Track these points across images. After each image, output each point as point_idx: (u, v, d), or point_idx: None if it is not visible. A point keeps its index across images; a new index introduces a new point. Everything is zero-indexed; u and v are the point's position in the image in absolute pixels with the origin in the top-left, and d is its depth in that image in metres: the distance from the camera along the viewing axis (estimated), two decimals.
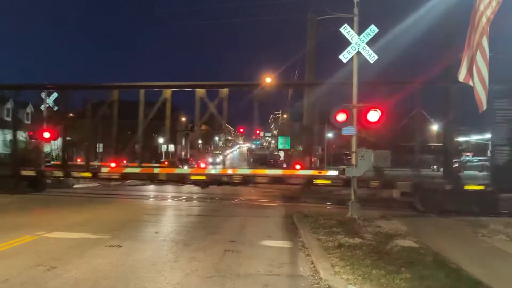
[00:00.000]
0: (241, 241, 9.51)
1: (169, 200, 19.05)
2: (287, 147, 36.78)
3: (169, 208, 16.27)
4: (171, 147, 55.88)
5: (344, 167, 12.68)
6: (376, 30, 12.22)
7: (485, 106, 8.31)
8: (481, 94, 8.00)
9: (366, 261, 7.39)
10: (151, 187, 27.03)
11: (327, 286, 6.31)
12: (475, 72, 7.88)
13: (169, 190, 24.86)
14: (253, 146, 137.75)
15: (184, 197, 20.19)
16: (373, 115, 11.91)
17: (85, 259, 7.49)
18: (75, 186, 24.04)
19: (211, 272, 6.92)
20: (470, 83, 8.30)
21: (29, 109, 44.72)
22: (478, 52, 7.78)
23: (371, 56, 12.22)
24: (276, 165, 45.41)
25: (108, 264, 7.25)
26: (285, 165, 39.93)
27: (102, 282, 6.23)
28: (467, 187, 15.37)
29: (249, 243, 9.31)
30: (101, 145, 68.13)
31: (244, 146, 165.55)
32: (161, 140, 59.85)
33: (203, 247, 8.82)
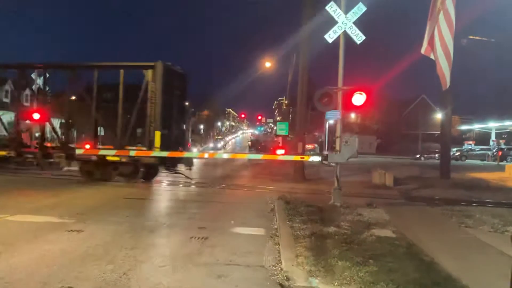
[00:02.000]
0: (211, 228, 9.06)
1: (155, 184, 18.61)
2: (285, 133, 36.07)
3: (150, 192, 15.83)
4: None
5: (327, 153, 12.18)
6: (364, 8, 11.58)
7: (448, 83, 7.59)
8: (445, 69, 7.27)
9: (334, 251, 6.94)
10: None
11: (285, 277, 5.87)
12: (438, 43, 7.16)
13: (166, 173, 24.49)
14: (257, 132, 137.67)
15: (171, 181, 19.74)
16: (359, 98, 11.36)
17: (37, 245, 7.08)
18: (65, 168, 23.65)
19: (166, 261, 6.49)
20: (432, 56, 7.55)
21: (8, 86, 44.35)
22: (442, 16, 7.04)
23: (358, 36, 11.61)
24: (265, 150, 46.40)
25: (59, 250, 6.83)
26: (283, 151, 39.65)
27: (41, 271, 5.81)
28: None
29: (219, 230, 8.86)
30: (101, 128, 68.09)
31: (247, 132, 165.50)
32: None
33: (168, 234, 8.42)
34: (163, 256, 6.77)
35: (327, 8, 11.68)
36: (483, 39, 22.22)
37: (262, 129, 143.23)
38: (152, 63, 16.86)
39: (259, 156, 17.93)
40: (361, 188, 18.57)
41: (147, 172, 17.35)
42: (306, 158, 14.11)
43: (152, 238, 7.95)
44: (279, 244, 7.69)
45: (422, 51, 7.72)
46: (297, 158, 14.38)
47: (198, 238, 8.10)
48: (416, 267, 6.22)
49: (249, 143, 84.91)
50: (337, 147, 11.92)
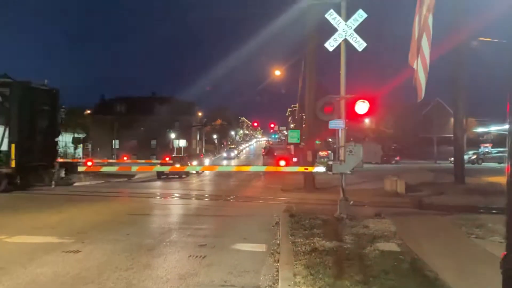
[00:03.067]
0: (212, 244, 8.87)
1: (161, 199, 18.56)
2: (297, 141, 35.93)
3: (157, 207, 15.76)
4: (182, 142, 55.58)
5: (331, 163, 11.91)
6: (365, 15, 11.34)
7: (423, 95, 7.36)
8: (422, 79, 7.03)
9: (333, 269, 6.67)
10: (158, 183, 26.66)
11: None
12: (419, 55, 6.96)
13: (175, 187, 24.49)
14: (271, 140, 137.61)
15: (179, 195, 19.67)
16: (362, 107, 11.10)
17: (30, 268, 6.96)
18: (76, 184, 23.81)
19: (159, 283, 6.30)
20: (414, 65, 7.32)
21: None
22: (424, 31, 6.86)
23: (360, 44, 11.36)
24: (278, 158, 45.88)
25: (52, 273, 6.70)
26: (295, 159, 39.48)
27: None
28: None
29: (219, 247, 8.66)
30: (117, 141, 68.62)
31: (262, 140, 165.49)
32: (173, 135, 59.77)
33: (166, 252, 8.23)
34: (157, 278, 6.58)
35: (327, 16, 11.46)
36: (494, 40, 21.71)
37: (276, 136, 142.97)
38: (9, 81, 18.47)
39: (262, 169, 17.66)
40: (371, 196, 18.23)
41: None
42: (310, 169, 13.85)
43: (149, 258, 7.77)
44: (278, 261, 7.46)
45: (409, 60, 7.51)
46: (301, 169, 14.13)
47: (196, 256, 7.90)
48: (419, 285, 5.93)
49: (263, 151, 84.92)
50: (342, 157, 11.64)
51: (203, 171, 34.15)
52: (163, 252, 8.23)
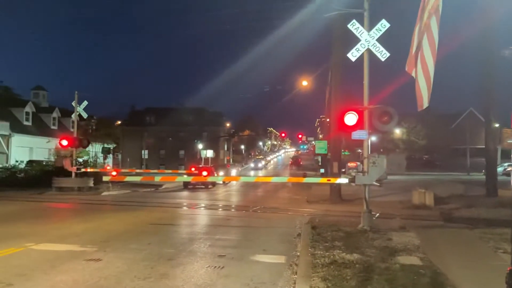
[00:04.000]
0: (231, 255, 8.86)
1: (185, 209, 18.70)
2: (324, 151, 35.63)
3: (180, 217, 15.88)
4: (210, 153, 56.00)
5: (354, 174, 11.76)
6: (388, 25, 11.21)
7: (425, 105, 7.07)
8: (423, 89, 6.75)
9: (350, 282, 6.55)
10: (184, 193, 26.89)
11: None
12: (420, 62, 6.70)
13: (201, 197, 24.64)
14: (300, 150, 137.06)
15: (203, 205, 19.78)
16: (385, 118, 10.94)
17: (51, 275, 7.11)
18: (104, 193, 24.30)
19: None
20: (413, 74, 7.08)
21: (56, 113, 46.13)
22: (425, 36, 6.61)
23: (383, 54, 11.22)
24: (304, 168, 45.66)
25: (71, 281, 6.82)
26: (322, 170, 39.27)
27: None
28: None
29: (238, 258, 8.64)
30: (146, 151, 69.66)
31: (290, 151, 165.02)
32: (200, 146, 60.31)
33: (185, 262, 8.26)
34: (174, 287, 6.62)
35: (349, 26, 11.40)
36: None
37: (305, 147, 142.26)
38: None
39: (285, 179, 17.57)
40: (398, 209, 17.88)
41: None
42: (332, 180, 13.70)
43: (167, 268, 7.81)
44: (296, 273, 7.37)
45: (406, 68, 7.30)
46: (324, 180, 13.97)
47: (215, 267, 7.90)
48: None
49: (290, 161, 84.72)
50: (365, 168, 11.47)
51: (229, 182, 34.31)
52: (182, 262, 8.26)
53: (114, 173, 17.04)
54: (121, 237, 10.85)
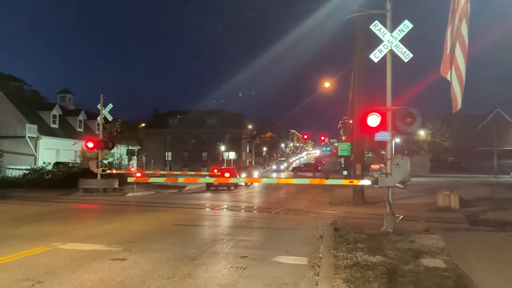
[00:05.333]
0: (253, 256, 8.93)
1: (208, 210, 18.84)
2: (347, 153, 35.46)
3: (203, 218, 16.01)
4: (232, 155, 56.22)
5: (377, 176, 11.68)
6: (411, 25, 11.11)
7: (459, 106, 6.99)
8: (457, 92, 6.70)
9: (373, 284, 6.53)
10: (207, 195, 27.11)
11: None
12: (453, 66, 6.65)
13: (223, 198, 24.78)
14: (323, 152, 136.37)
15: (226, 206, 19.90)
16: (408, 119, 10.84)
17: (78, 274, 7.31)
18: (129, 194, 24.70)
19: None
20: (448, 77, 7.00)
21: (82, 116, 46.99)
22: (458, 41, 6.56)
23: (405, 55, 11.12)
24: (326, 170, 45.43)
25: (97, 279, 7.00)
26: (345, 172, 39.02)
27: None
28: None
29: (260, 259, 8.70)
30: (169, 153, 70.40)
31: (312, 153, 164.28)
32: (222, 148, 60.63)
33: (208, 263, 8.36)
34: (197, 287, 6.71)
35: (371, 27, 11.34)
36: None
37: (328, 149, 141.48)
38: None
39: (307, 181, 17.55)
40: (422, 211, 17.66)
41: None
42: (355, 182, 13.61)
43: (191, 268, 7.93)
44: (319, 275, 7.39)
45: (441, 71, 7.23)
46: (346, 182, 13.89)
47: (237, 267, 7.98)
48: None
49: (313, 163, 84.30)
50: (388, 170, 11.38)
51: (251, 183, 34.40)
52: (205, 262, 8.37)
53: (138, 174, 17.29)
54: (146, 237, 11.04)
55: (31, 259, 8.35)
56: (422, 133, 68.92)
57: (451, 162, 67.85)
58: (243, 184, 33.75)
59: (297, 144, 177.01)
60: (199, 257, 8.78)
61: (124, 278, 7.15)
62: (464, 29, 6.69)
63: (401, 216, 15.20)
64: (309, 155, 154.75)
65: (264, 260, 8.64)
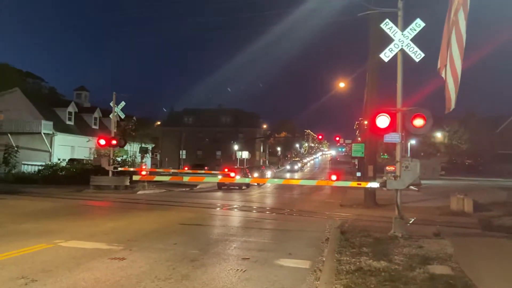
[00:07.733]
0: (255, 258, 8.74)
1: (216, 209, 18.71)
2: (361, 155, 34.97)
3: (210, 218, 15.89)
4: (245, 154, 56.08)
5: (386, 178, 11.38)
6: (423, 24, 10.76)
7: (453, 106, 6.63)
8: (451, 90, 6.33)
9: None
10: (218, 194, 27.03)
11: None
12: (448, 62, 6.29)
13: (234, 198, 24.65)
14: (338, 153, 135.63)
15: (235, 206, 19.75)
16: (418, 120, 10.51)
17: (74, 273, 7.21)
18: (139, 192, 24.71)
19: None
20: (443, 74, 6.64)
21: (97, 114, 47.31)
22: (453, 33, 6.19)
23: (417, 54, 10.78)
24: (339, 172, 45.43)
25: (93, 279, 6.89)
26: (359, 174, 38.59)
27: None
28: None
29: (261, 262, 8.51)
30: (184, 151, 70.81)
31: (327, 153, 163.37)
32: (236, 147, 60.54)
33: (208, 264, 8.20)
34: None
35: (382, 25, 11.05)
36: None
37: (343, 150, 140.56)
38: None
39: (313, 182, 17.30)
40: (435, 215, 17.29)
41: None
42: (363, 184, 13.31)
43: (189, 269, 7.77)
44: (319, 279, 7.17)
45: (438, 67, 6.90)
46: (354, 184, 13.60)
47: (237, 270, 7.81)
48: None
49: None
50: (397, 172, 11.09)
51: (263, 183, 34.19)
52: (204, 264, 8.21)
53: (144, 172, 17.26)
54: (149, 236, 10.94)
55: (30, 257, 8.29)
56: (439, 135, 67.89)
57: (468, 165, 66.61)
58: (255, 184, 33.59)
59: (312, 144, 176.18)
60: (199, 258, 8.63)
61: (120, 278, 7.02)
62: (462, 20, 6.35)
63: (412, 220, 14.88)
64: (324, 156, 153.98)
65: (265, 262, 8.45)
